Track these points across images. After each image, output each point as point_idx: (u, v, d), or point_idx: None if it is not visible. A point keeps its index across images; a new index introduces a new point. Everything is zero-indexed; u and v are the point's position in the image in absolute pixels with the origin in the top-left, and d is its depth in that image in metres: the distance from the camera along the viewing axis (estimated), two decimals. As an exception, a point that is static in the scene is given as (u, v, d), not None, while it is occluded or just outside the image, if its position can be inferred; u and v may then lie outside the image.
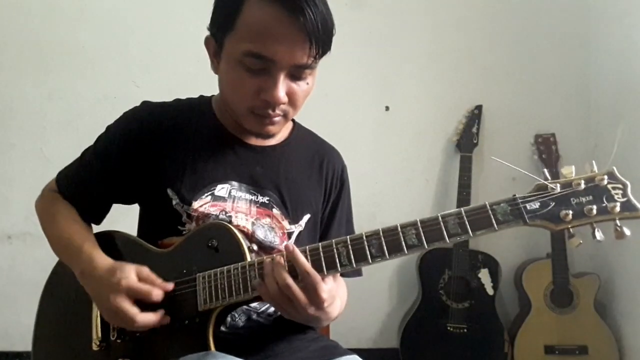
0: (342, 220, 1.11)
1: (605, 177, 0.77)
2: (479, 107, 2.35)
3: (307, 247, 0.83)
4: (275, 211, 1.00)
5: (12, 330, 2.22)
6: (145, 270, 0.89)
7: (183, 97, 1.10)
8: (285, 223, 1.01)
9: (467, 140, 2.31)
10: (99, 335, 0.95)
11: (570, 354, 2.12)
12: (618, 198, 0.76)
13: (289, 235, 1.01)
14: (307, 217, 1.04)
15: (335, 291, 0.85)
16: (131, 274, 0.87)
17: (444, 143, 2.41)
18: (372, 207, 2.32)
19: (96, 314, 0.95)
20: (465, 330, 2.17)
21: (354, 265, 0.81)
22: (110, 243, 0.98)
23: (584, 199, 0.77)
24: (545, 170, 0.81)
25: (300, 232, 1.03)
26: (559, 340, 2.13)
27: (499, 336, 2.17)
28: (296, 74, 0.89)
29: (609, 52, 2.27)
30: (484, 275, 2.21)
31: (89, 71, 2.27)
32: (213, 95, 1.08)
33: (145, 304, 0.87)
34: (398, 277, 2.42)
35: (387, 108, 2.39)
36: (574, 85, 2.40)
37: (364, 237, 0.81)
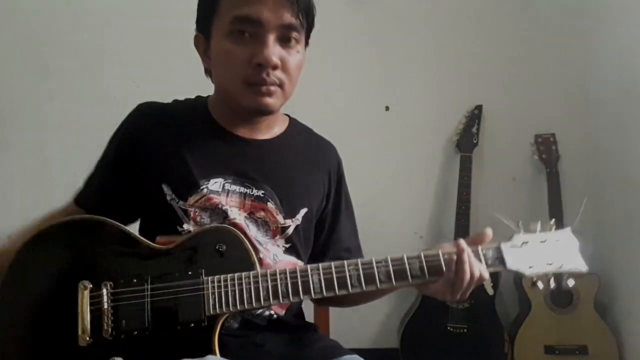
0: (349, 212, 1.14)
1: (559, 234, 0.94)
2: (479, 107, 2.34)
3: (320, 264, 0.88)
4: (270, 205, 1.00)
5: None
6: None
7: (182, 97, 1.12)
8: (280, 217, 1.00)
9: (467, 140, 2.30)
10: (88, 329, 0.84)
11: (570, 354, 2.12)
12: (566, 255, 0.93)
13: (283, 230, 1.01)
14: (304, 211, 1.04)
15: None
16: None
17: (444, 143, 2.41)
18: (372, 207, 2.32)
19: (86, 302, 0.84)
20: (465, 330, 2.16)
21: (364, 287, 0.88)
22: (94, 232, 0.90)
23: (538, 255, 0.94)
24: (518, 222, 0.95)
25: (297, 226, 1.02)
26: (559, 340, 2.13)
27: (499, 336, 2.17)
28: (285, 35, 0.93)
29: (609, 51, 2.27)
30: (484, 275, 2.20)
31: (89, 71, 2.27)
32: (209, 96, 1.09)
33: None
34: (398, 277, 2.41)
35: (387, 108, 2.39)
36: (573, 86, 2.40)
37: (374, 262, 0.89)
